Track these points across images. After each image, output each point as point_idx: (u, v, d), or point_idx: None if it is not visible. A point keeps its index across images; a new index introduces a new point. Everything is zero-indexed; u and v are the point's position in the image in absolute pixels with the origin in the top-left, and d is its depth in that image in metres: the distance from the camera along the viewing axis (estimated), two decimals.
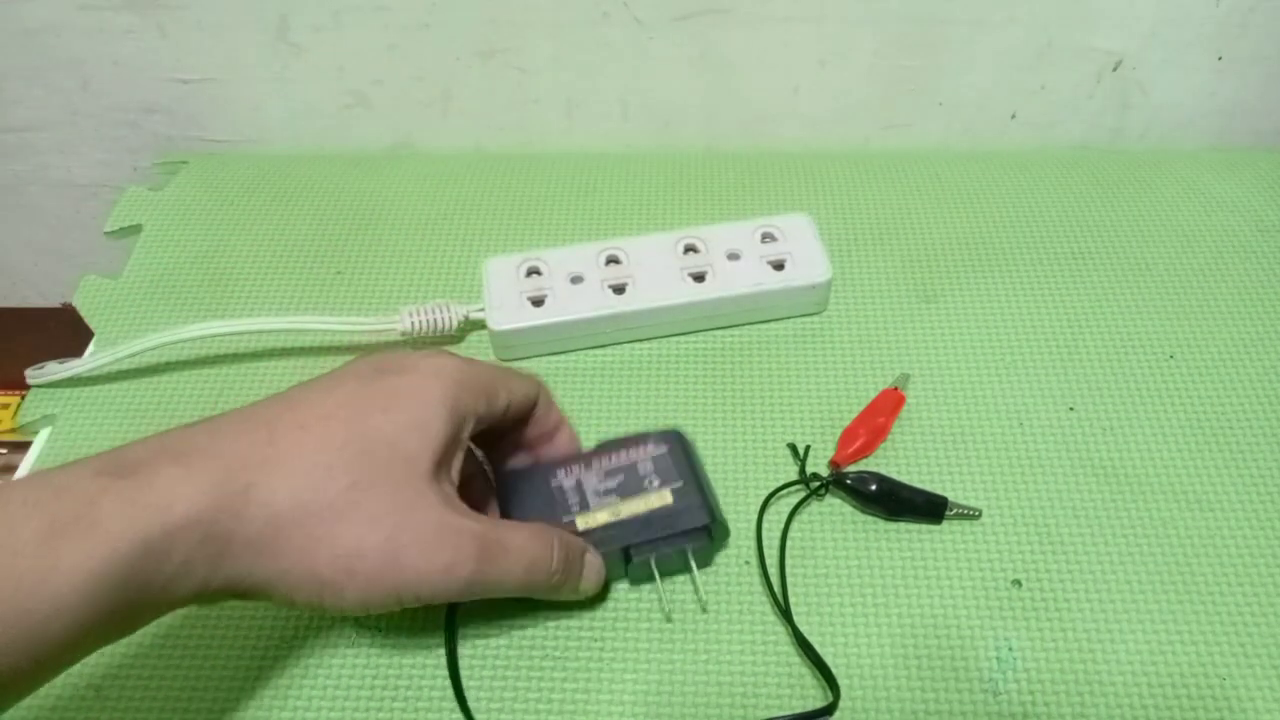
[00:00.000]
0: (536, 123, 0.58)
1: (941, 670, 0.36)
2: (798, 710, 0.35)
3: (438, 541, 0.30)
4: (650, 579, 0.37)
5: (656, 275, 0.46)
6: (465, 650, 0.37)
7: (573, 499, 0.37)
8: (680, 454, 0.38)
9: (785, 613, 0.37)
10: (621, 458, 0.38)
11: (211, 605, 0.33)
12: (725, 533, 0.38)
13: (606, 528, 0.36)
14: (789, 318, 0.48)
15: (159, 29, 0.54)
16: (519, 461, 0.39)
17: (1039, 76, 0.55)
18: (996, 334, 0.47)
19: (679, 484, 0.37)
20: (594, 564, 0.36)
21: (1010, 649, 0.37)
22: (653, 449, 0.38)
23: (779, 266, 0.47)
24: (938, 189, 0.55)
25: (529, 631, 0.37)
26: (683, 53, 0.54)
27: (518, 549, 0.32)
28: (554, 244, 0.48)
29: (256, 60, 0.55)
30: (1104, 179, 0.55)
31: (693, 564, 0.37)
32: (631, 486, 0.37)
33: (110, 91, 0.58)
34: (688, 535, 0.36)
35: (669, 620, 0.37)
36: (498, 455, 0.39)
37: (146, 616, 0.27)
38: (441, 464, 0.32)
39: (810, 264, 0.47)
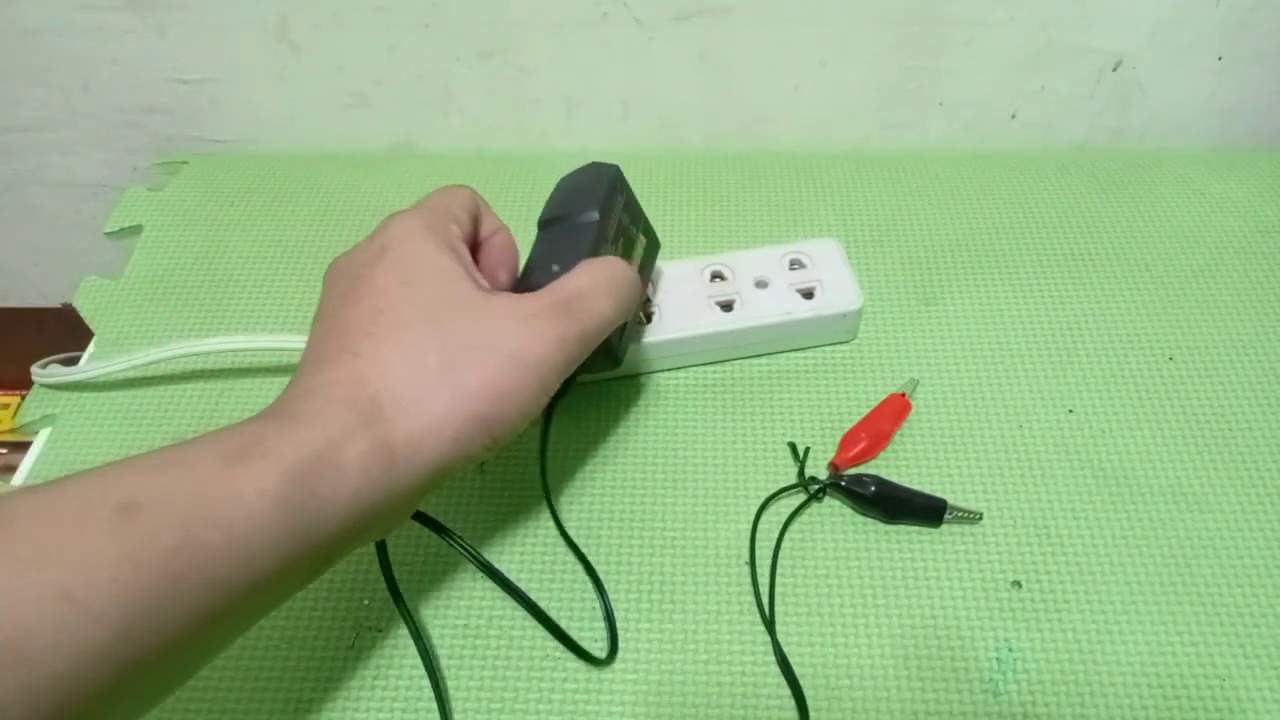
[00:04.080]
0: (536, 123, 0.58)
1: (942, 671, 0.36)
2: None
3: (536, 325, 0.31)
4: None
5: (683, 303, 0.45)
6: (465, 650, 0.37)
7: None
8: (624, 188, 0.39)
9: (769, 625, 0.37)
10: (611, 223, 0.38)
11: (388, 532, 0.33)
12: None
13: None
14: (817, 347, 0.47)
15: (159, 29, 0.54)
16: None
17: (1039, 76, 0.55)
18: (996, 335, 0.47)
19: (640, 220, 0.40)
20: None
21: (1010, 650, 0.37)
22: (622, 199, 0.39)
23: (808, 295, 0.46)
24: (937, 189, 0.55)
25: (529, 631, 0.38)
26: (683, 53, 0.54)
27: (589, 284, 0.33)
28: None
29: (256, 60, 0.55)
30: (1104, 179, 0.55)
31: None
32: (628, 243, 0.39)
33: (110, 91, 0.58)
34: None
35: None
36: None
37: (329, 537, 0.27)
38: (472, 276, 0.32)
39: (840, 291, 0.45)
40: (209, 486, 0.25)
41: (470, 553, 0.37)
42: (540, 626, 0.37)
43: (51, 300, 0.76)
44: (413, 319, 0.30)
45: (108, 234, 0.54)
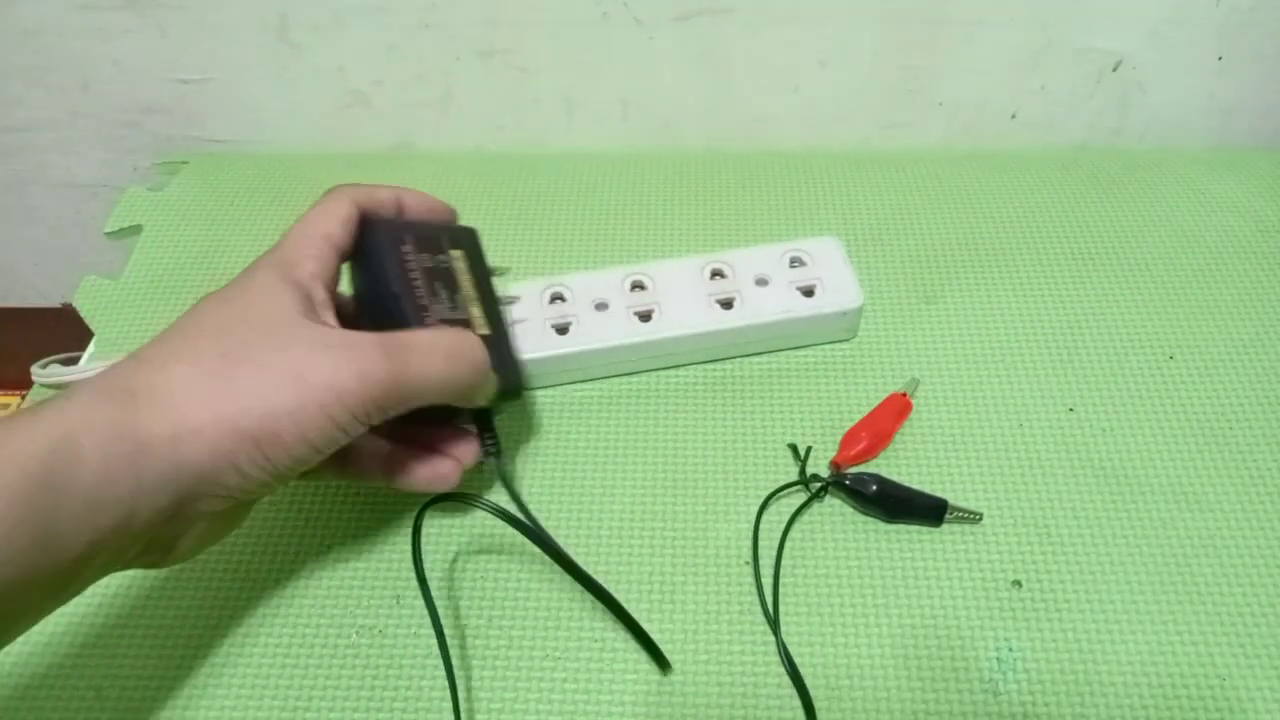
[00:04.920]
0: (536, 123, 0.58)
1: (942, 671, 0.36)
2: None
3: (340, 354, 0.29)
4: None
5: (683, 302, 0.45)
6: (466, 650, 0.37)
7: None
8: (383, 237, 0.35)
9: (774, 625, 0.37)
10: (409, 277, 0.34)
11: (162, 552, 0.30)
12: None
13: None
14: (817, 345, 0.47)
15: (159, 29, 0.54)
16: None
17: (1039, 76, 0.55)
18: (996, 335, 0.47)
19: (445, 239, 0.37)
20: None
21: (1010, 649, 0.37)
22: (393, 249, 0.35)
23: (809, 293, 0.45)
24: (938, 189, 0.55)
25: (529, 631, 0.38)
26: (683, 53, 0.54)
27: (428, 342, 0.31)
28: (554, 245, 0.48)
29: (256, 60, 0.55)
30: (1104, 179, 0.55)
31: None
32: (446, 274, 0.36)
33: (110, 91, 0.58)
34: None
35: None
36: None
37: (71, 535, 0.25)
38: (308, 312, 0.30)
39: (841, 289, 0.45)
40: None
41: (551, 546, 0.34)
42: (540, 626, 0.37)
43: (51, 300, 0.76)
44: (207, 328, 0.29)
45: (108, 234, 0.54)
